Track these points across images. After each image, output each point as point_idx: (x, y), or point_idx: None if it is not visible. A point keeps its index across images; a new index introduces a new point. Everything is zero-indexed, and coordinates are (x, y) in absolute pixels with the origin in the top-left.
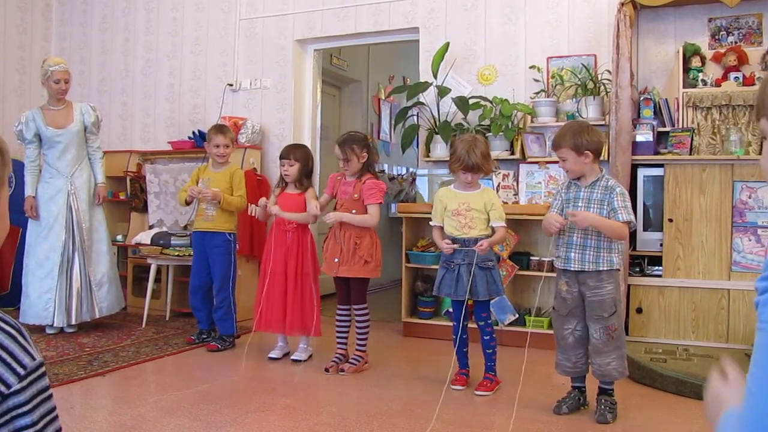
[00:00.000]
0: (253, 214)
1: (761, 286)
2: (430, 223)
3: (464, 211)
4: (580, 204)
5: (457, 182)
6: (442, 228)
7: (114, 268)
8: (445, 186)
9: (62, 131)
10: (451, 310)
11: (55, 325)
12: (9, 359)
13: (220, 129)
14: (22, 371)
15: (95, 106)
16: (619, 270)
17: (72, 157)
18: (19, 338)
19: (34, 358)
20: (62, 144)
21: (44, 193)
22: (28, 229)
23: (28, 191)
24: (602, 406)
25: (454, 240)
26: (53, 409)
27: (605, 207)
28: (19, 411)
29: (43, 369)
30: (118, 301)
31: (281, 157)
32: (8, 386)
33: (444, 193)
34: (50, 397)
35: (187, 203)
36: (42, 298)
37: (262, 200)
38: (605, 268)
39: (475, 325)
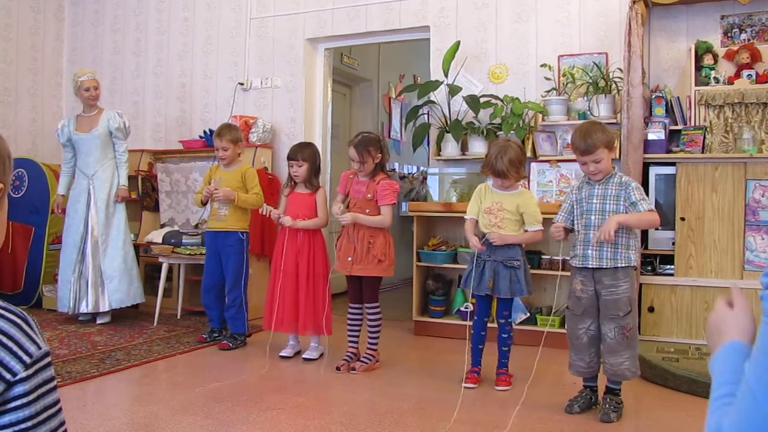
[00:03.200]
0: (264, 213)
1: (766, 281)
2: (465, 216)
3: (496, 210)
4: (594, 201)
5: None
6: (475, 222)
7: (129, 263)
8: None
9: (85, 135)
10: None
11: (68, 312)
12: (15, 347)
13: (218, 132)
14: (27, 359)
15: (122, 113)
16: (635, 268)
17: (94, 159)
18: (24, 327)
19: (39, 347)
20: (85, 147)
21: (72, 192)
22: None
23: (59, 190)
24: (607, 405)
25: (483, 236)
26: (56, 402)
27: (622, 202)
28: (22, 401)
29: (48, 359)
30: (131, 295)
31: (289, 158)
32: (14, 374)
33: (482, 189)
34: (54, 389)
35: (203, 204)
36: (65, 287)
37: (274, 213)
38: (623, 265)
39: (493, 324)
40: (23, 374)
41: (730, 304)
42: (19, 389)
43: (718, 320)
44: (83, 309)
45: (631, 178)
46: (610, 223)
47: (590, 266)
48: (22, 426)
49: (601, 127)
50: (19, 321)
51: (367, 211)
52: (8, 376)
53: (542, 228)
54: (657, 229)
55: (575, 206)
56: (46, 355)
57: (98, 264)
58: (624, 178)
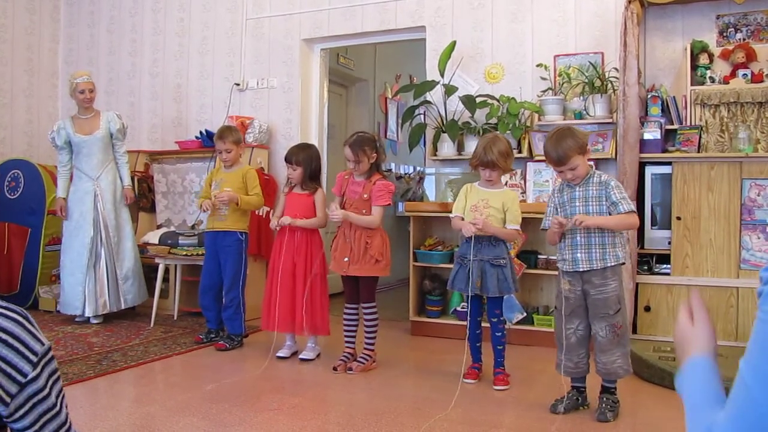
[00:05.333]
0: (260, 214)
1: (766, 275)
2: (450, 215)
3: (482, 207)
4: (577, 204)
5: (481, 180)
6: (461, 219)
7: (138, 263)
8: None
9: (88, 138)
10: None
11: (85, 315)
12: (22, 348)
13: (219, 134)
14: (34, 358)
15: (120, 115)
16: (624, 264)
17: (97, 161)
18: (27, 324)
19: (43, 343)
20: (87, 149)
21: (74, 195)
22: (63, 229)
23: (59, 193)
24: (603, 405)
25: (470, 236)
26: (62, 388)
27: (604, 203)
28: (39, 397)
29: (51, 353)
30: (141, 293)
31: (285, 160)
32: (24, 375)
33: (468, 188)
34: (59, 378)
35: (205, 210)
36: (74, 290)
37: (273, 221)
38: (612, 264)
39: (486, 324)
40: (33, 374)
41: (691, 314)
42: (32, 388)
43: (681, 336)
44: (100, 311)
45: (610, 176)
46: (590, 221)
47: (581, 270)
48: (48, 416)
49: (570, 133)
50: (21, 319)
51: (364, 211)
52: (20, 378)
53: (520, 229)
54: (653, 228)
55: (558, 210)
56: (49, 349)
57: (113, 265)
58: (603, 177)
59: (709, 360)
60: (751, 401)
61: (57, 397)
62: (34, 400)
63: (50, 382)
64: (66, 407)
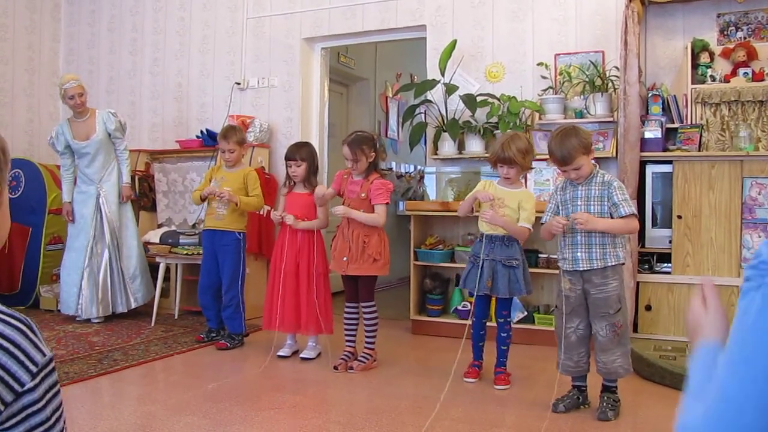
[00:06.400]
0: (261, 213)
1: (747, 274)
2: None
3: (497, 207)
4: (579, 203)
5: (500, 178)
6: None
7: (144, 261)
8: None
9: (87, 143)
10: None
11: (83, 316)
12: (22, 356)
13: (223, 134)
14: (34, 369)
15: (116, 112)
16: (623, 264)
17: (99, 164)
18: (30, 334)
19: (44, 354)
20: (90, 154)
21: (78, 198)
22: (67, 230)
23: (64, 198)
24: (604, 404)
25: (483, 236)
26: (61, 403)
27: (606, 203)
28: (33, 408)
29: (53, 364)
30: (148, 292)
31: (287, 158)
32: (22, 384)
33: (485, 184)
34: (58, 392)
35: (201, 200)
36: (71, 290)
37: (275, 215)
38: (612, 263)
39: (492, 323)
40: (30, 384)
41: (704, 300)
42: (27, 399)
43: (693, 321)
44: (101, 312)
45: (613, 176)
46: (590, 224)
47: (581, 269)
48: (39, 429)
49: (575, 132)
50: (24, 328)
51: (362, 210)
52: (17, 386)
53: (531, 228)
54: (654, 227)
55: (560, 208)
56: (50, 361)
57: (119, 266)
58: (606, 177)
59: (717, 346)
60: (725, 400)
61: (53, 411)
62: (29, 411)
63: (48, 396)
64: (63, 422)
